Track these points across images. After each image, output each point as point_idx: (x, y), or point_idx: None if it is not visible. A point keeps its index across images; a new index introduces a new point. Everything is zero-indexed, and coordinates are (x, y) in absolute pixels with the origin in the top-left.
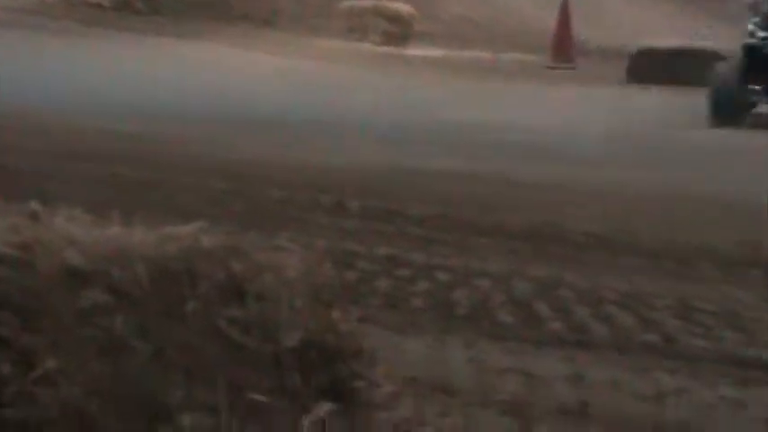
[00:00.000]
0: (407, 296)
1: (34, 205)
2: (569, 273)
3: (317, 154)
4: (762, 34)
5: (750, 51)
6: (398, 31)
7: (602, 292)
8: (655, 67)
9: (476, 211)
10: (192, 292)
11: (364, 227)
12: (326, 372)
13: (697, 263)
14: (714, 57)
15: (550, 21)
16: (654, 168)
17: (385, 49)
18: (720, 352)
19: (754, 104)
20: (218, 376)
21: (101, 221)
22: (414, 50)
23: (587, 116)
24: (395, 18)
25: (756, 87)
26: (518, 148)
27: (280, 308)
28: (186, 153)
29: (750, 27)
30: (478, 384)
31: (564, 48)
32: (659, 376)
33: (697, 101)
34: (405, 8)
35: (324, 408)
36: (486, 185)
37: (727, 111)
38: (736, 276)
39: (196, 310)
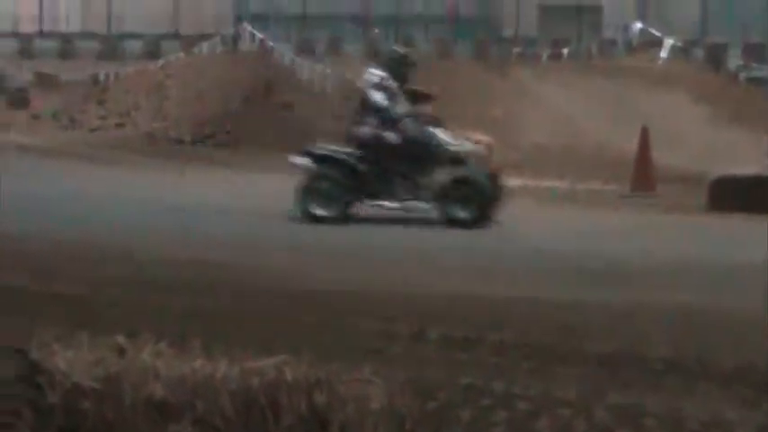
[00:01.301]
0: (489, 426)
1: (121, 340)
2: (649, 400)
3: (391, 282)
4: None
5: None
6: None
7: (683, 420)
8: (736, 195)
9: (552, 337)
10: (275, 424)
11: (443, 356)
12: None
13: None
14: None
15: (630, 147)
16: (729, 294)
17: None
18: None
19: None
20: None
21: (184, 355)
22: None
23: (662, 243)
24: None
25: None
26: (593, 274)
27: None
28: (254, 283)
29: None
30: None
31: (644, 175)
32: None
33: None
34: (483, 138)
35: None
36: (563, 312)
37: None
38: None
39: None
